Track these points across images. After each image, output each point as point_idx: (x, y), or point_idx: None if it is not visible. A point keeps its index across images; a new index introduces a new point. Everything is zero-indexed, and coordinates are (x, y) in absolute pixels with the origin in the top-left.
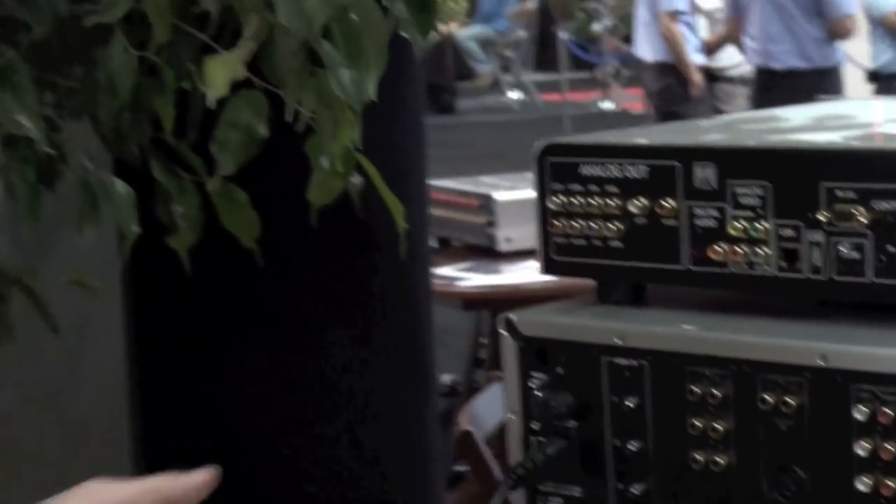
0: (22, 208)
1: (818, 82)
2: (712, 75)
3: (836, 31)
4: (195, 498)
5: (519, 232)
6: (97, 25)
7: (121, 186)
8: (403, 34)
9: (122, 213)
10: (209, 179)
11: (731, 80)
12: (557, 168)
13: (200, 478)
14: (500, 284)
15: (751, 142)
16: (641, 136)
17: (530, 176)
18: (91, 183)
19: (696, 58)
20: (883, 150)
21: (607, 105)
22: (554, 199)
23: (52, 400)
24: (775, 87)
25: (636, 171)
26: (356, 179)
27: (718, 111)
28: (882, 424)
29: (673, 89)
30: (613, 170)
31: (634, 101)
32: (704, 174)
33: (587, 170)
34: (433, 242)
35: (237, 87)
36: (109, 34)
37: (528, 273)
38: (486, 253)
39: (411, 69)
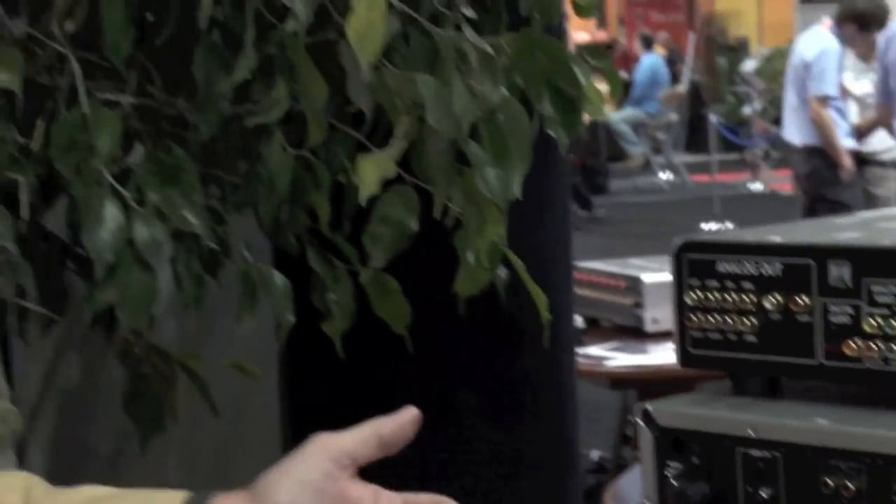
0: (187, 297)
1: None
2: (863, 159)
3: None
4: (407, 435)
5: (665, 313)
6: (258, 125)
7: (279, 279)
8: (550, 132)
9: (279, 303)
10: (362, 270)
11: (882, 163)
12: (695, 264)
13: (407, 416)
14: (646, 365)
15: (887, 241)
16: (776, 234)
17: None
18: (251, 275)
19: (847, 142)
20: None
21: (757, 186)
22: (691, 293)
23: (212, 478)
24: None
25: (771, 268)
26: (502, 272)
27: (869, 194)
28: None
29: (822, 173)
30: (749, 267)
31: (784, 182)
32: (839, 272)
33: (724, 266)
34: (582, 322)
35: (389, 182)
36: (270, 133)
37: (673, 354)
38: (634, 333)
39: (557, 165)
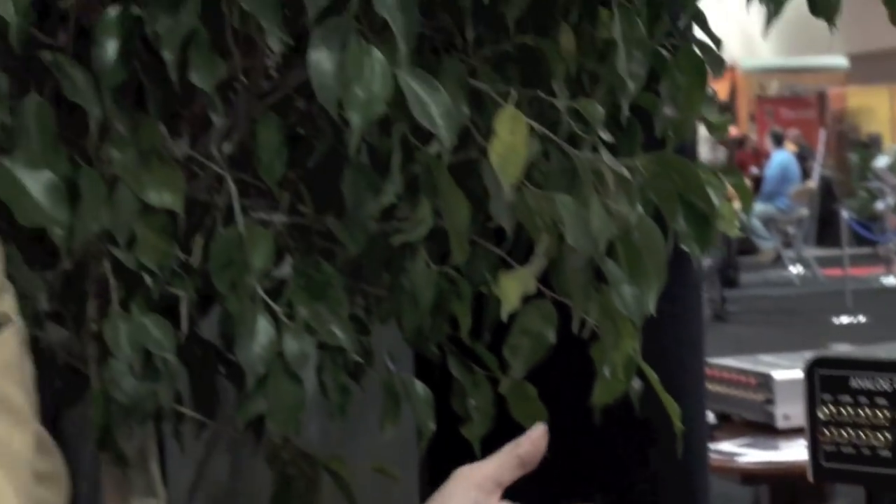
0: (333, 406)
1: None
2: None
3: None
4: (541, 450)
5: (797, 409)
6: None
7: (420, 388)
8: (684, 247)
9: (420, 412)
10: (502, 378)
11: None
12: (827, 380)
13: (537, 432)
14: (778, 461)
15: None
16: None
17: (809, 354)
18: (394, 385)
19: None
20: None
21: (890, 280)
22: (824, 408)
23: None
24: None
25: None
26: (636, 383)
27: None
28: None
29: None
30: (883, 383)
31: None
32: None
33: (857, 382)
34: (713, 418)
35: (529, 295)
36: (414, 249)
37: (805, 450)
38: (765, 429)
39: (691, 277)
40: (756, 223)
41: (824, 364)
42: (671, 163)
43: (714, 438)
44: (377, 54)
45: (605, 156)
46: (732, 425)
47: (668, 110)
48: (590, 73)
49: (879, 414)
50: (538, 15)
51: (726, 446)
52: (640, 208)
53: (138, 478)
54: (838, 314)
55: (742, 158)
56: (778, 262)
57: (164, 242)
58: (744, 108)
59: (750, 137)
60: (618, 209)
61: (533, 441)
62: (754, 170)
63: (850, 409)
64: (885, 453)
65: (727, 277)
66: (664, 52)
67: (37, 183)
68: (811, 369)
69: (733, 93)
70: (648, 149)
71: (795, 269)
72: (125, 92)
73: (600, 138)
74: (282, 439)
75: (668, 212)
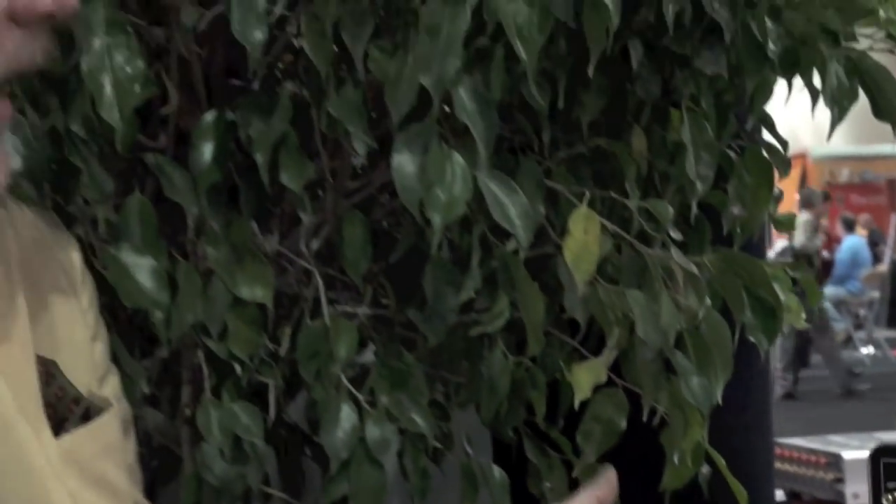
0: (413, 489)
1: None
2: None
3: None
4: (615, 493)
5: (866, 489)
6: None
7: (497, 472)
8: (750, 338)
9: (497, 495)
10: (576, 462)
11: None
12: (891, 468)
13: (611, 474)
14: None
15: None
16: None
17: (879, 435)
18: (472, 469)
19: None
20: None
21: None
22: (889, 496)
23: None
24: None
25: None
26: (704, 469)
27: None
28: None
29: None
30: None
31: None
32: None
33: None
34: (783, 496)
35: (600, 384)
36: (492, 340)
37: None
38: None
39: (759, 365)
40: (828, 305)
41: (888, 452)
42: (738, 260)
43: None
44: (458, 158)
45: (675, 252)
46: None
47: (735, 209)
48: (660, 174)
49: None
50: (611, 118)
51: None
52: (708, 302)
53: None
54: None
55: None
56: (849, 342)
57: (254, 333)
58: (819, 187)
59: (821, 223)
60: (686, 303)
61: (609, 482)
62: (826, 254)
63: None
64: None
65: (803, 358)
66: (732, 154)
67: (141, 268)
68: (875, 457)
69: (804, 180)
70: (717, 243)
71: (866, 350)
72: (219, 191)
73: (669, 236)
74: None
75: (734, 306)
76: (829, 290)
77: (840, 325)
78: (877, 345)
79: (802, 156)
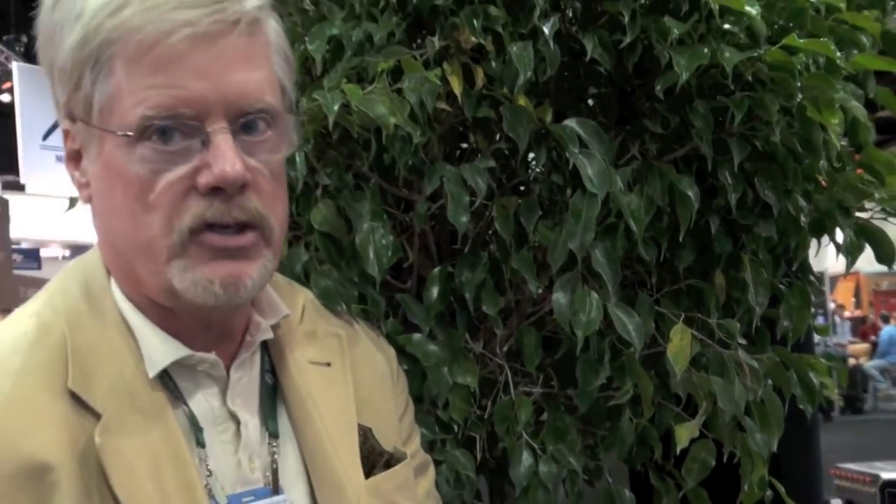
0: None
1: None
2: None
3: None
4: None
5: None
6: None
7: (628, 494)
8: (800, 406)
9: None
10: (684, 485)
11: None
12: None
13: None
14: None
15: None
16: None
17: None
18: (611, 493)
19: None
20: None
21: None
22: None
23: None
24: None
25: None
26: (768, 494)
27: None
28: None
29: None
30: None
31: None
32: None
33: None
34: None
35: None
36: (622, 408)
37: None
38: None
39: (805, 424)
40: (875, 373)
41: (892, 485)
42: (785, 356)
43: None
44: (594, 295)
45: (742, 353)
46: None
47: (785, 323)
48: (735, 301)
49: None
50: (700, 265)
51: None
52: (768, 383)
53: None
54: None
55: (864, 330)
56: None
57: (467, 405)
58: (865, 299)
59: (869, 316)
60: (752, 385)
61: None
62: (872, 338)
63: None
64: None
65: (855, 407)
66: (783, 287)
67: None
68: (882, 490)
69: (857, 289)
70: (776, 344)
71: None
72: (443, 316)
73: (738, 342)
74: None
75: (783, 387)
76: (875, 362)
77: (883, 385)
78: None
79: (857, 273)
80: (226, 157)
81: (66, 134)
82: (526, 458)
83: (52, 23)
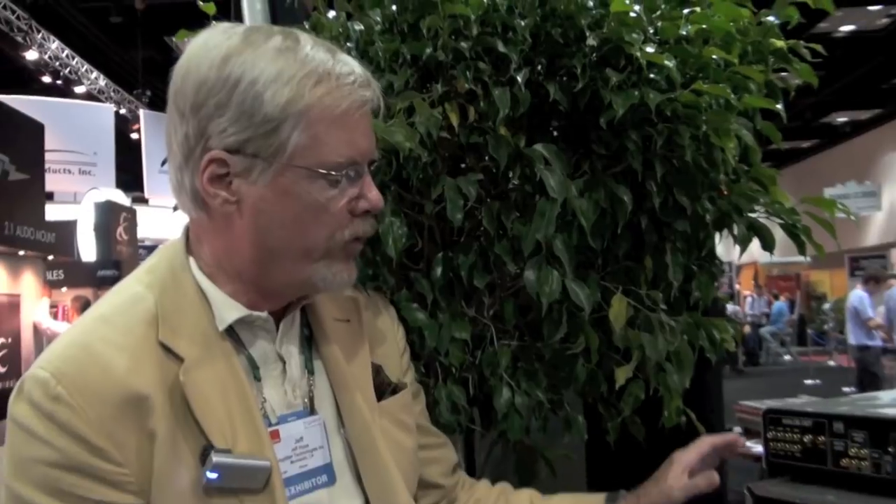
0: (538, 425)
1: None
2: None
3: None
4: (730, 452)
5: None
6: None
7: (580, 419)
8: (707, 356)
9: (578, 430)
10: (623, 412)
11: None
12: (774, 420)
13: (734, 439)
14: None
15: None
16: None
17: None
18: (569, 418)
19: None
20: None
21: (832, 363)
22: (769, 432)
23: None
24: None
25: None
26: (683, 418)
27: None
28: None
29: None
30: (797, 420)
31: None
32: None
33: (786, 419)
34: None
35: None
36: (575, 356)
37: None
38: None
39: (714, 371)
40: (768, 335)
41: (772, 412)
42: (696, 318)
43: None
44: (555, 273)
45: (664, 316)
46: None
47: (696, 294)
48: (659, 276)
49: (794, 436)
50: (634, 252)
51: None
52: (684, 337)
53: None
54: (807, 378)
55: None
56: (779, 356)
57: (462, 353)
58: (762, 282)
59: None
60: (671, 339)
61: (729, 443)
62: (767, 310)
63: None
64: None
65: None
66: (695, 268)
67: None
68: (765, 416)
69: (756, 275)
70: (690, 310)
71: (788, 357)
72: (446, 288)
73: (662, 308)
74: (517, 441)
75: (694, 340)
76: (769, 328)
77: (773, 345)
78: (792, 354)
79: (755, 263)
80: (374, 190)
81: (219, 161)
82: (506, 393)
83: (219, 78)
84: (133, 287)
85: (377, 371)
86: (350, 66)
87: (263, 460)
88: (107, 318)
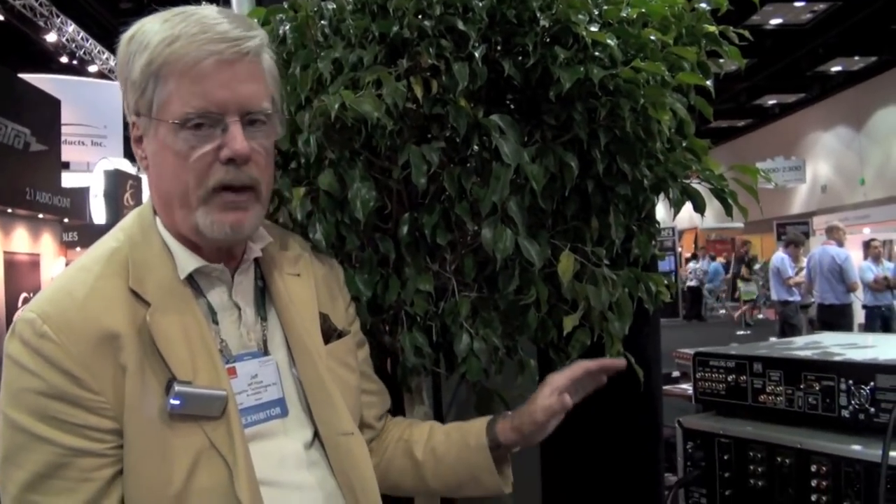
0: (495, 368)
1: None
2: None
3: None
4: (606, 373)
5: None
6: None
7: (532, 363)
8: (645, 306)
9: (531, 374)
10: (570, 357)
11: None
12: (702, 363)
13: (613, 363)
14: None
15: None
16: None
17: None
18: (522, 361)
19: None
20: None
21: (760, 317)
22: (698, 373)
23: None
24: None
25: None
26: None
27: None
28: None
29: None
30: (721, 361)
31: None
32: None
33: (714, 361)
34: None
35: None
36: (528, 306)
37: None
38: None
39: (650, 316)
40: (706, 292)
41: (702, 355)
42: (636, 273)
43: (677, 382)
44: (509, 232)
45: (607, 270)
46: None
47: (636, 251)
48: (603, 235)
49: (719, 376)
50: (582, 212)
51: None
52: (625, 289)
53: (418, 398)
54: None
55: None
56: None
57: (426, 304)
58: (701, 244)
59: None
60: (613, 291)
61: (603, 366)
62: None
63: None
64: (723, 392)
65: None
66: (635, 228)
67: (361, 275)
68: (694, 358)
69: (696, 239)
70: (630, 265)
71: (723, 311)
72: (412, 246)
73: (606, 263)
74: (476, 382)
75: (633, 292)
76: (708, 285)
77: (709, 301)
78: (725, 308)
79: (696, 228)
80: (237, 139)
81: (133, 125)
82: (465, 339)
83: (126, 52)
84: (109, 242)
85: (325, 319)
86: (210, 26)
87: (220, 390)
88: (86, 268)
